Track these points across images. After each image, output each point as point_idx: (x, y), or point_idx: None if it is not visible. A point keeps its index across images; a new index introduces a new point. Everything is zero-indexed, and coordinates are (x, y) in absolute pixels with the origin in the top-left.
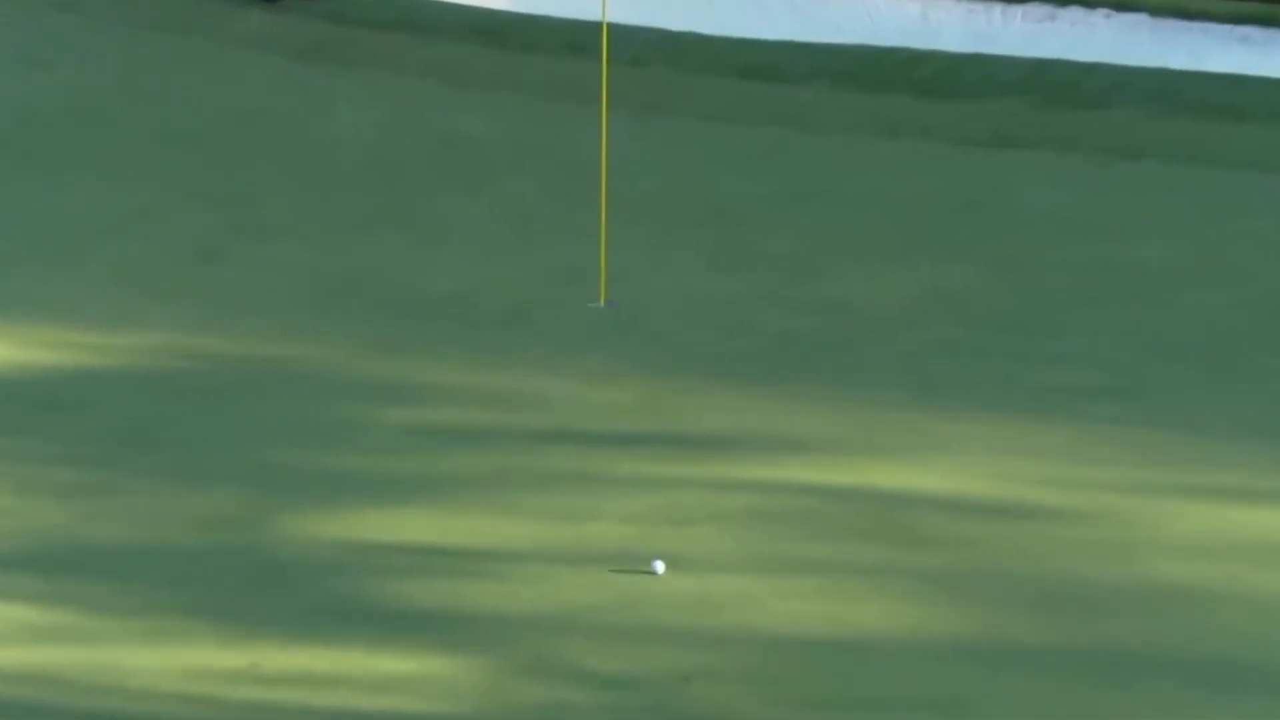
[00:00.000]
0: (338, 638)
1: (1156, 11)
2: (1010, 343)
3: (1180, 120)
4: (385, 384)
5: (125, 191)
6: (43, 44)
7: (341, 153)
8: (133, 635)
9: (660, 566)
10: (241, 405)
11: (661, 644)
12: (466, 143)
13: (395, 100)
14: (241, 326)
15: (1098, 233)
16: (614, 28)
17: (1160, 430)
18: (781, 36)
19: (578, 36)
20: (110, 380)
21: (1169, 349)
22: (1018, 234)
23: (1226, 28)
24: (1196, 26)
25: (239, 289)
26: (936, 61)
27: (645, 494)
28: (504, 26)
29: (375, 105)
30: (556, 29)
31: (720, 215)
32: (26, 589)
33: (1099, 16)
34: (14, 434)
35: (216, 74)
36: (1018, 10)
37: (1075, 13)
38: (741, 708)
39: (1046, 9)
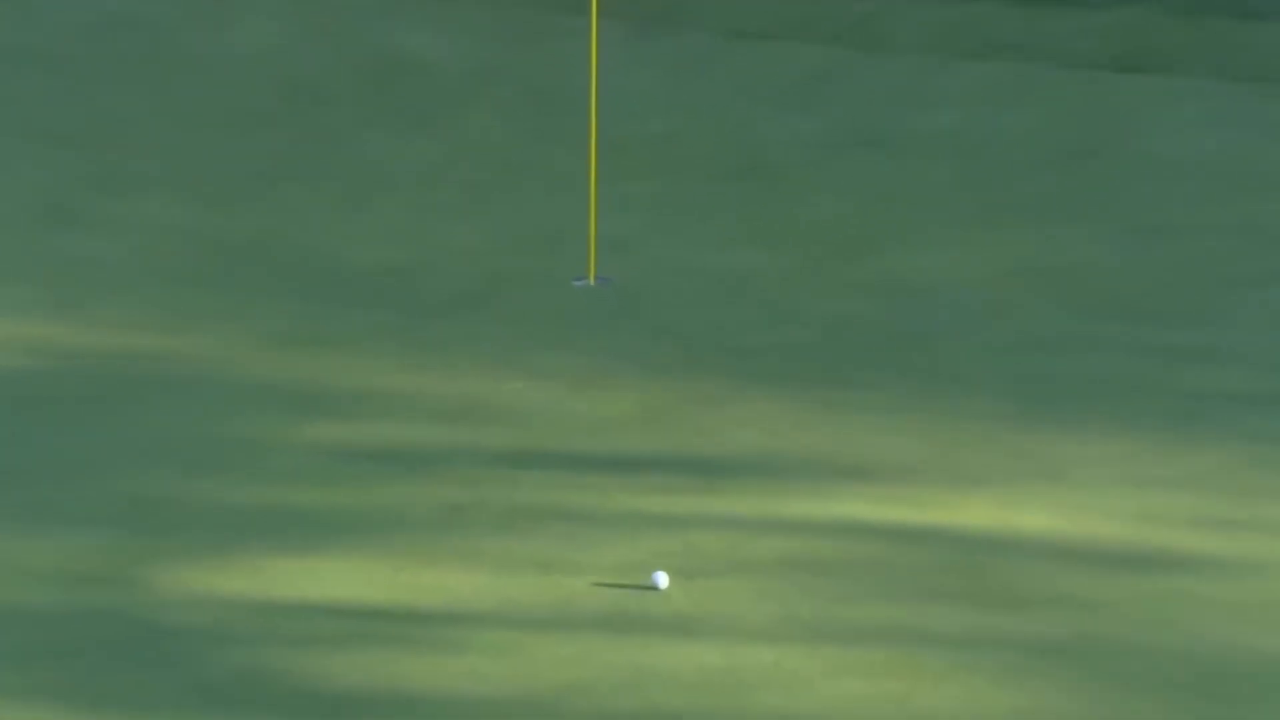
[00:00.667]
0: None
1: None
2: (1139, 335)
3: None
4: (300, 389)
5: None
6: None
7: (240, 77)
8: None
9: (663, 580)
10: (107, 418)
11: None
12: (410, 65)
13: (314, 7)
14: (104, 312)
15: (1258, 188)
16: None
17: None
18: None
19: None
20: None
21: None
22: (1148, 189)
23: None
24: None
25: (100, 261)
26: None
27: (648, 537)
28: None
29: (287, 14)
30: None
31: (751, 166)
32: None
33: None
34: None
35: None
36: None
37: None
38: None
39: None
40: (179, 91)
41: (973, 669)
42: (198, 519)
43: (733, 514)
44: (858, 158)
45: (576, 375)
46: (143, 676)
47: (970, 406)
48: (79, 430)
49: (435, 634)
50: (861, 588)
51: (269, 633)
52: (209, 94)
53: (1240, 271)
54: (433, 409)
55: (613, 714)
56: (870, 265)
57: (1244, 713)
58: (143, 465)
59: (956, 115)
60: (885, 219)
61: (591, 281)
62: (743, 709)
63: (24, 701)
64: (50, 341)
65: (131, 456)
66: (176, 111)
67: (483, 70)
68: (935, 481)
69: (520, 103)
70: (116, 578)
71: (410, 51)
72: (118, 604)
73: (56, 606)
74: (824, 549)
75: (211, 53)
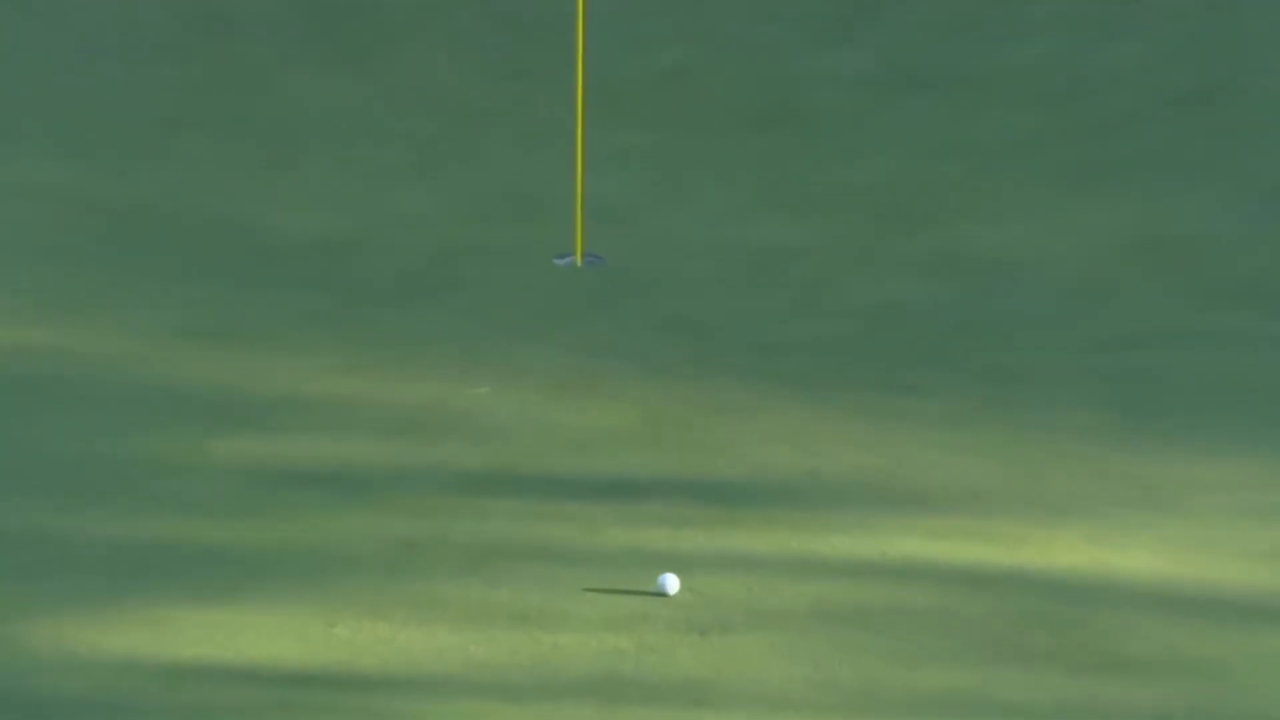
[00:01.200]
0: None
1: None
2: (1269, 327)
3: None
4: (210, 395)
5: None
6: None
7: (135, 1)
8: None
9: (672, 584)
10: None
11: None
12: None
13: None
14: None
15: None
16: None
17: None
18: None
19: None
20: None
21: None
22: None
23: None
24: None
25: None
26: None
27: (650, 581)
28: None
29: None
30: None
31: (780, 113)
32: None
33: None
34: None
35: None
36: None
37: None
38: None
39: None
40: (57, 19)
41: None
42: (80, 559)
43: (756, 552)
44: (913, 103)
45: (560, 377)
46: None
47: (1055, 417)
48: None
49: (382, 704)
50: (918, 646)
51: (170, 703)
52: (95, 22)
53: None
54: (378, 419)
55: None
56: (929, 239)
57: None
58: (9, 492)
59: (1041, 49)
60: (948, 181)
61: (577, 260)
62: None
63: None
64: None
65: None
66: (54, 43)
67: None
68: (1011, 512)
69: (484, 33)
70: None
71: None
72: None
73: None
74: (871, 596)
75: None
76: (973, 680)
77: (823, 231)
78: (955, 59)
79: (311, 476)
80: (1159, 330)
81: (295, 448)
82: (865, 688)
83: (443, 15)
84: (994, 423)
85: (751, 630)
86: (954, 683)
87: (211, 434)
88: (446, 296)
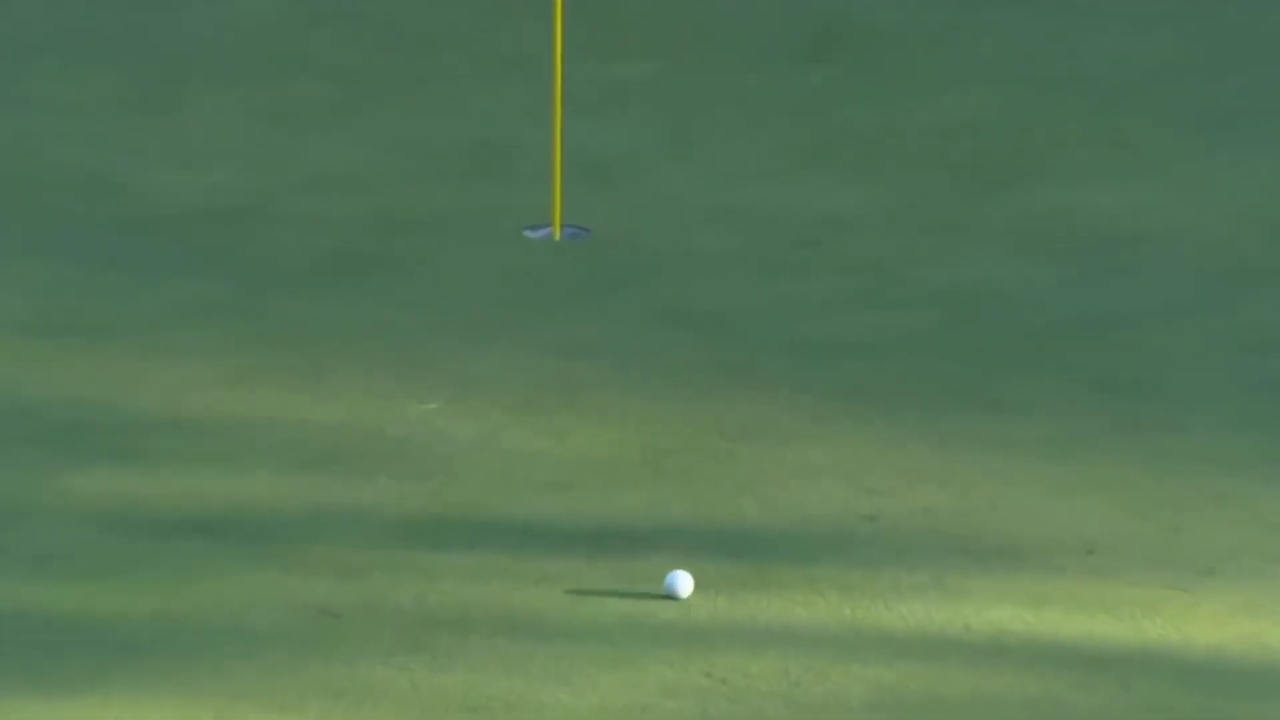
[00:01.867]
0: None
1: None
2: None
3: None
4: (55, 411)
5: None
6: None
7: None
8: None
9: (684, 584)
10: None
11: None
12: None
13: None
14: None
15: None
16: None
17: None
18: None
19: None
20: None
21: None
22: None
23: None
24: None
25: None
26: None
27: (652, 661)
28: None
29: None
30: None
31: (827, 39)
32: None
33: None
34: None
35: None
36: None
37: None
38: None
39: None
40: None
41: None
42: None
43: (796, 624)
44: (1005, 24)
45: (533, 389)
46: None
47: (1195, 444)
48: None
49: None
50: None
51: None
52: None
53: None
54: (289, 447)
55: None
56: (1026, 204)
57: None
58: None
59: None
60: (1052, 127)
61: (555, 233)
62: None
63: None
64: None
65: None
66: None
67: None
68: (1136, 571)
69: None
70: None
71: None
72: None
73: None
74: (949, 683)
75: None
76: None
77: (882, 195)
78: None
79: (199, 522)
80: None
81: (176, 483)
82: None
83: None
84: (1112, 451)
85: None
86: None
87: (64, 465)
88: (380, 281)
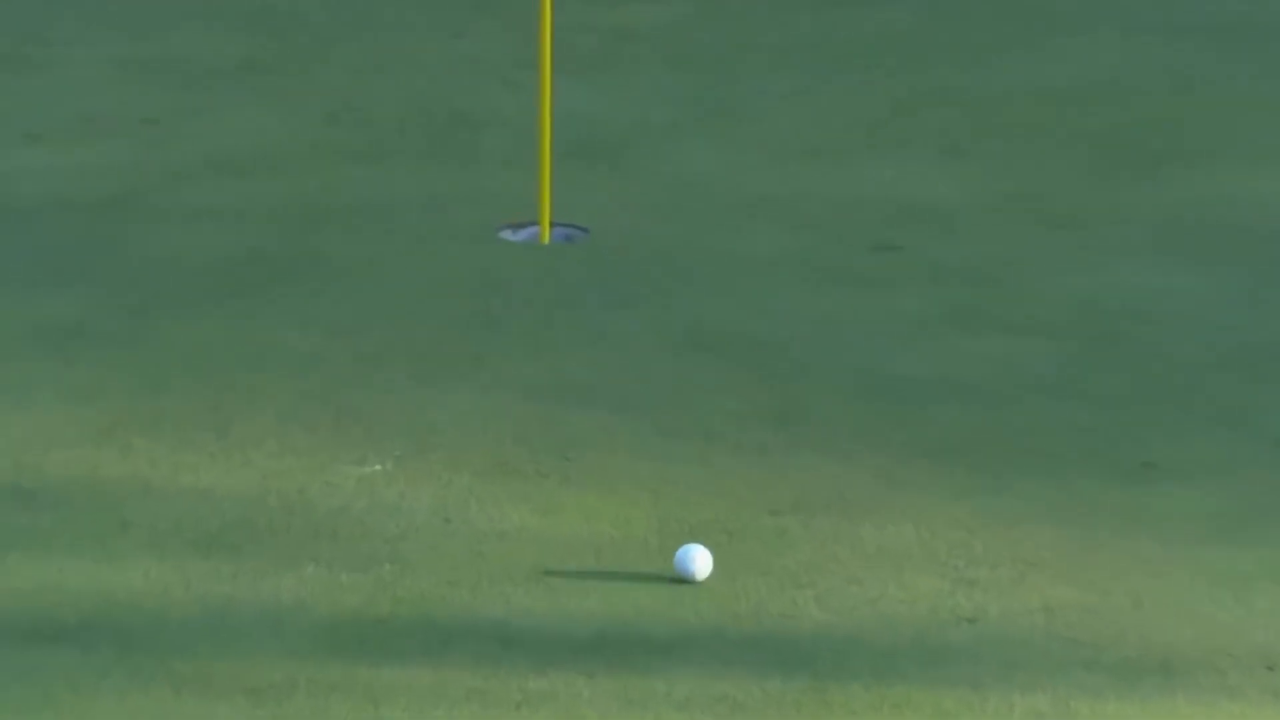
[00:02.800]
0: None
1: None
2: None
3: None
4: None
5: None
6: None
7: None
8: None
9: (702, 562)
10: None
11: None
12: None
13: None
14: None
15: None
16: None
17: None
18: None
19: None
20: None
21: None
22: None
23: None
24: None
25: None
26: None
27: None
28: None
29: None
30: None
31: None
32: None
33: None
34: None
35: None
36: None
37: None
38: None
39: None
40: None
41: None
42: None
43: None
44: None
45: (511, 445)
46: None
47: None
48: None
49: None
50: None
51: None
52: None
53: None
54: (181, 523)
55: None
56: (1189, 187)
57: None
58: None
59: None
60: (1206, 94)
61: (543, 235)
62: None
63: None
64: None
65: None
66: None
67: None
68: None
69: None
70: None
71: None
72: None
73: None
74: None
75: None
76: None
77: (985, 180)
78: None
79: (60, 626)
80: None
81: (28, 574)
82: None
83: None
84: None
85: None
86: None
87: None
88: (302, 296)
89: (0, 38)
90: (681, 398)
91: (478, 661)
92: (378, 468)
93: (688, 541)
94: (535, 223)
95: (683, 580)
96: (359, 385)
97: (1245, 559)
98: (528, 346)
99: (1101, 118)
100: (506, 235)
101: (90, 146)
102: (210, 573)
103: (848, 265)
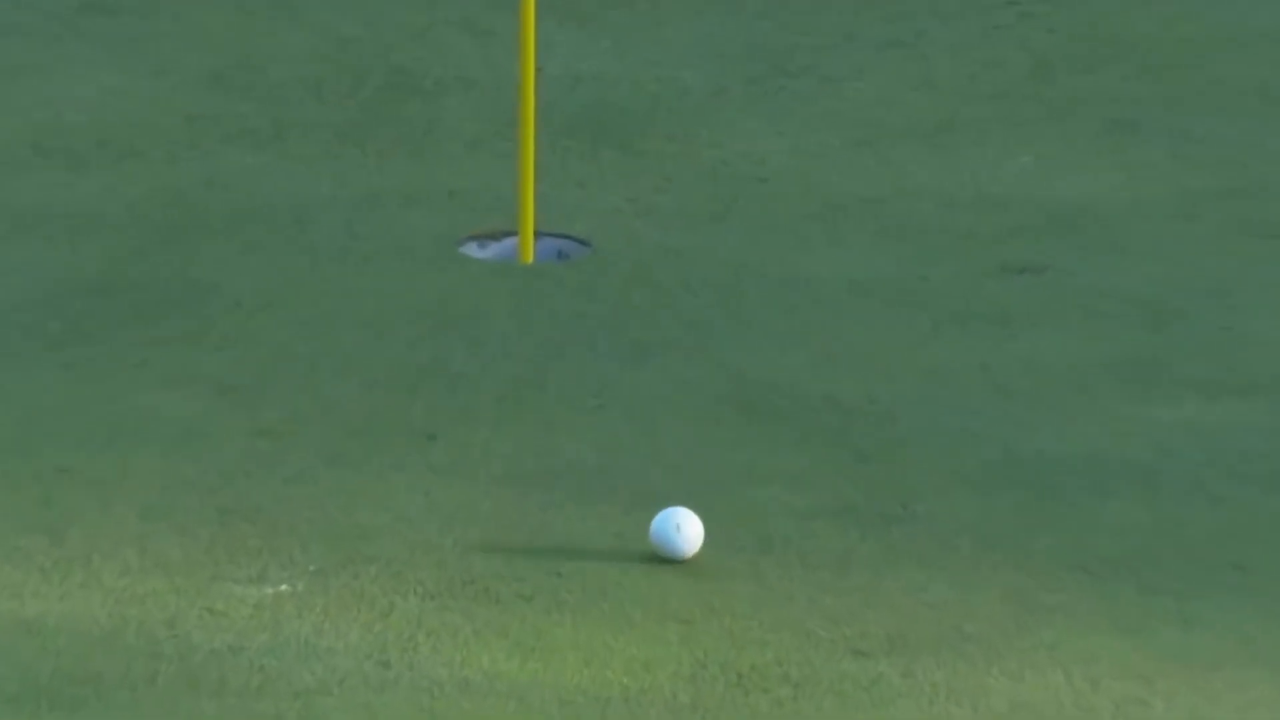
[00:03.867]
0: None
1: None
2: None
3: None
4: None
5: None
6: None
7: None
8: None
9: (689, 531)
10: None
11: None
12: None
13: None
14: None
15: None
16: None
17: None
18: None
19: None
20: None
21: None
22: None
23: None
24: None
25: None
26: None
27: None
28: None
29: None
30: None
31: None
32: None
33: None
34: None
35: None
36: None
37: None
38: None
39: None
40: None
41: None
42: None
43: None
44: None
45: (469, 562)
46: None
47: None
48: None
49: None
50: None
51: None
52: None
53: None
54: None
55: None
56: None
57: None
58: None
59: None
60: None
61: (524, 251)
62: None
63: None
64: None
65: None
66: None
67: None
68: None
69: None
70: None
71: None
72: None
73: None
74: None
75: None
76: None
77: (1178, 165)
78: None
79: None
80: None
81: None
82: None
83: None
84: None
85: None
86: None
87: None
88: (167, 338)
89: None
90: (723, 485)
91: None
92: (284, 588)
93: (732, 691)
94: (513, 232)
95: (667, 558)
96: (257, 468)
97: None
98: (502, 412)
99: None
100: (472, 251)
101: None
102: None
103: (966, 294)
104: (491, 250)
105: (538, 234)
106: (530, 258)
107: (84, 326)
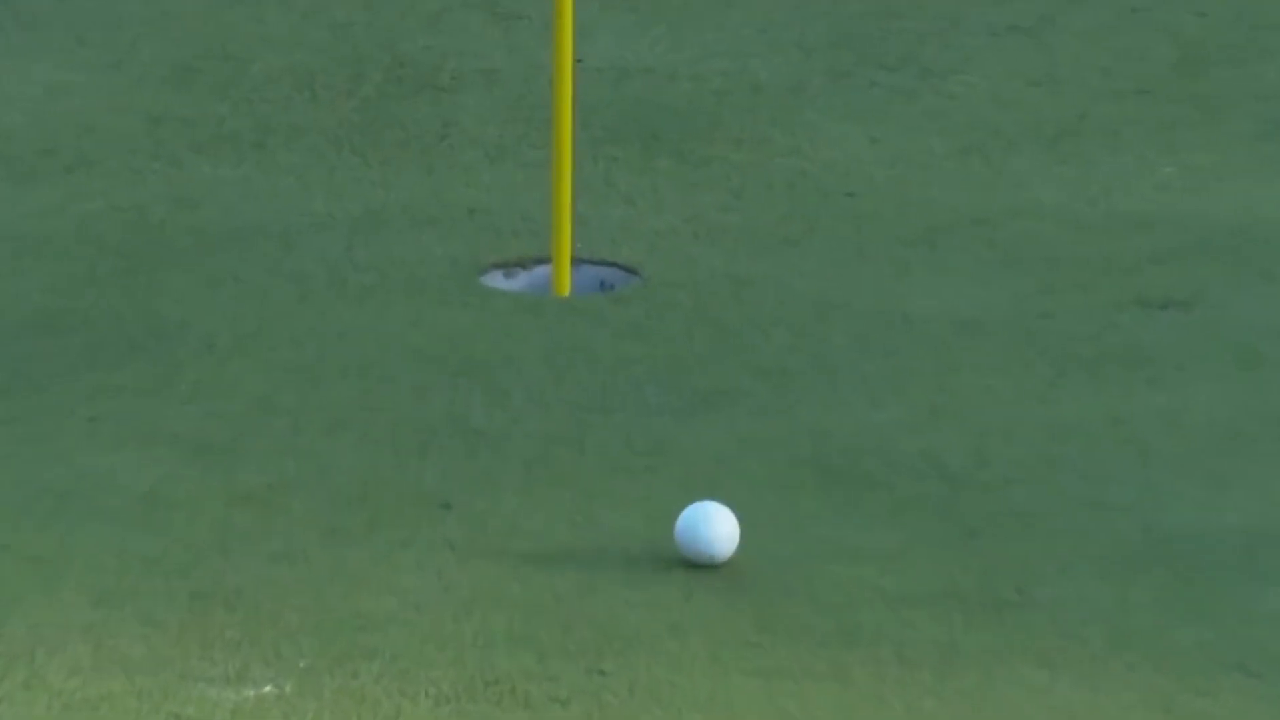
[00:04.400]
0: None
1: None
2: None
3: None
4: None
5: None
6: None
7: None
8: None
9: (723, 531)
10: None
11: None
12: None
13: None
14: None
15: None
16: None
17: None
18: None
19: None
20: None
21: None
22: None
23: None
24: None
25: None
26: None
27: None
28: None
29: None
30: None
31: None
32: None
33: None
34: None
35: None
36: None
37: None
38: None
39: None
40: None
41: None
42: None
43: None
44: None
45: (502, 652)
46: None
47: None
48: None
49: None
50: None
51: None
52: None
53: None
54: None
55: None
56: None
57: None
58: None
59: None
60: None
61: (560, 283)
62: None
63: None
64: None
65: None
66: None
67: None
68: None
69: None
70: None
71: None
72: None
73: None
74: None
75: None
76: None
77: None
78: None
79: None
80: None
81: None
82: None
83: None
84: None
85: None
86: None
87: None
88: (121, 387)
89: None
90: (802, 565)
91: None
92: (269, 690)
93: None
94: (546, 259)
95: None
96: (235, 544)
97: None
98: (532, 477)
99: None
100: (496, 282)
101: None
102: None
103: (1097, 333)
104: (519, 281)
105: (575, 261)
106: (566, 290)
107: (26, 372)
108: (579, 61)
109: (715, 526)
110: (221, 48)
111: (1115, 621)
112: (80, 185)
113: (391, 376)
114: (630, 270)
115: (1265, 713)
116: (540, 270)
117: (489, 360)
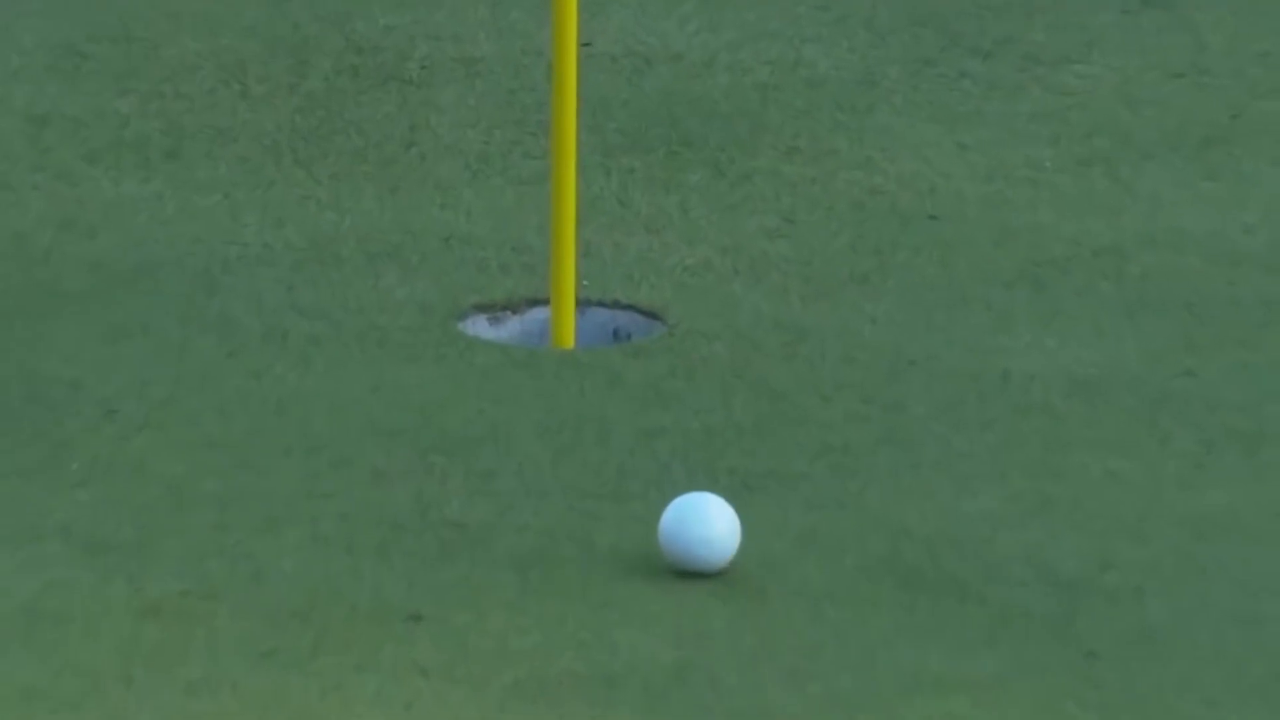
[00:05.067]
0: None
1: None
2: None
3: None
4: None
5: None
6: None
7: None
8: None
9: (726, 534)
10: None
11: None
12: None
13: None
14: None
15: None
16: None
17: None
18: None
19: None
20: None
21: None
22: None
23: None
24: None
25: None
26: None
27: None
28: None
29: None
30: None
31: None
32: None
33: None
34: None
35: None
36: None
37: None
38: None
39: None
40: None
41: None
42: None
43: None
44: None
45: None
46: None
47: None
48: None
49: None
50: None
51: None
52: None
53: None
54: None
55: None
56: None
57: None
58: None
59: None
60: None
61: (562, 332)
62: None
63: None
64: None
65: None
66: None
67: None
68: None
69: None
70: None
71: None
72: None
73: None
74: None
75: None
76: None
77: None
78: None
79: None
80: None
81: None
82: None
83: None
84: None
85: None
86: None
87: None
88: (9, 478)
89: None
90: (878, 696)
91: None
92: None
93: None
94: (543, 300)
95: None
96: (144, 670)
97: None
98: (525, 582)
99: None
100: (479, 329)
101: None
102: None
103: (1254, 398)
104: (509, 329)
105: (580, 304)
106: (570, 341)
107: None
108: (586, 46)
109: (708, 525)
110: (123, 27)
111: None
112: None
113: (345, 457)
114: (652, 315)
115: None
116: (536, 315)
117: (469, 433)
